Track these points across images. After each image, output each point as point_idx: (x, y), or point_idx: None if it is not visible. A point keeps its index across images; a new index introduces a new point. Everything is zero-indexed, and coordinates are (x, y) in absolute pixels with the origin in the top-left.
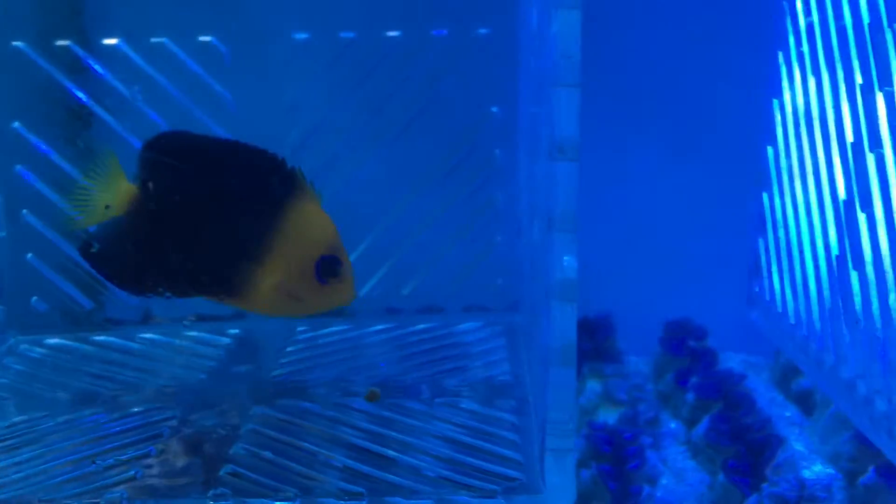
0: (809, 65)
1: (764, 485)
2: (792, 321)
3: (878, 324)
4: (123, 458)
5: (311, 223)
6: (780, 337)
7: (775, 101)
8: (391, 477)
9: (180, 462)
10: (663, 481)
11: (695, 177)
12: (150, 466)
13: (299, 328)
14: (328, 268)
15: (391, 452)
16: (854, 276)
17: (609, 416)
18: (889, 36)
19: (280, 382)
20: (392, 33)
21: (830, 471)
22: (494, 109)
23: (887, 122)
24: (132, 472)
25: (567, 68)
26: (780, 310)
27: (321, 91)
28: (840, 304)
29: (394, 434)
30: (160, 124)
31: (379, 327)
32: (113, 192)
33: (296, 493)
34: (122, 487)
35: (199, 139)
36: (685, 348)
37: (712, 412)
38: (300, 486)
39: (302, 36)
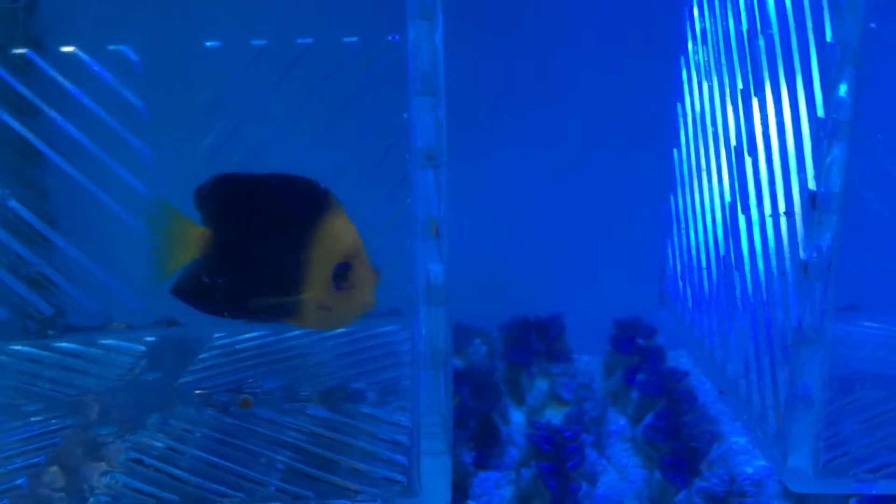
0: (703, 69)
1: (696, 480)
2: (691, 321)
3: (751, 325)
4: (11, 467)
5: (331, 235)
6: (683, 336)
7: (678, 105)
8: (273, 480)
9: (69, 471)
10: (606, 478)
11: (641, 177)
12: (36, 476)
13: (216, 334)
14: (339, 275)
15: (278, 457)
16: (736, 278)
17: (555, 415)
18: (762, 42)
19: (184, 390)
20: (304, 40)
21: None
22: (406, 116)
23: (760, 127)
24: (18, 482)
25: (420, 78)
26: (681, 310)
27: (235, 97)
28: (726, 304)
29: (274, 436)
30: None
31: (296, 332)
32: (188, 240)
33: (178, 500)
34: (5, 497)
35: (245, 178)
36: (634, 347)
37: (656, 409)
38: (183, 493)
39: (215, 44)
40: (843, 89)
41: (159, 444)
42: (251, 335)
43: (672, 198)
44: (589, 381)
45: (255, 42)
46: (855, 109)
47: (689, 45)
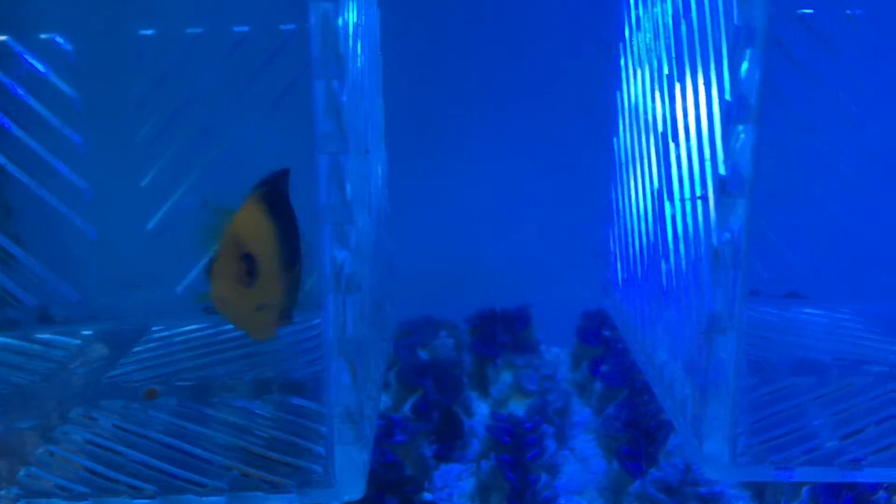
0: (637, 57)
1: (652, 469)
2: (626, 309)
3: (673, 313)
4: None
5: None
6: (621, 325)
7: (617, 93)
8: (187, 474)
9: None
10: (568, 469)
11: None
12: None
13: (154, 328)
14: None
15: (197, 450)
16: (662, 265)
17: (519, 406)
18: (683, 28)
19: (113, 384)
20: (240, 28)
21: None
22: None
23: (682, 114)
24: None
25: (320, 60)
26: (620, 299)
27: (171, 87)
28: (653, 292)
29: (197, 430)
30: None
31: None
32: None
33: (89, 493)
34: None
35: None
36: (600, 338)
37: (618, 400)
38: (95, 486)
39: (149, 32)
40: (744, 68)
41: (77, 438)
42: (190, 328)
43: (612, 186)
44: (553, 373)
45: (191, 30)
46: (762, 93)
47: (626, 32)
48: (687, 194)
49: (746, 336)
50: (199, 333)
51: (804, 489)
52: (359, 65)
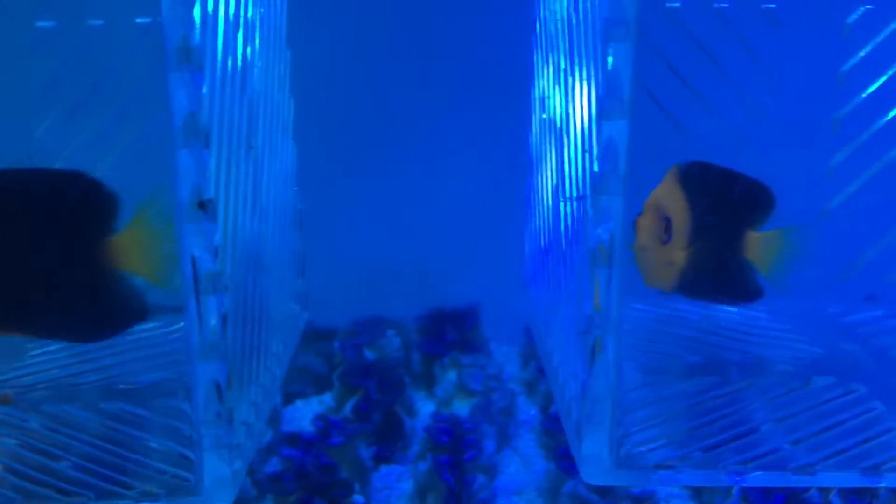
0: (545, 51)
1: None
2: (536, 310)
3: (564, 312)
4: None
5: None
6: (533, 326)
7: (531, 88)
8: (51, 480)
9: None
10: (511, 469)
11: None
12: None
13: None
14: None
15: (70, 456)
16: (557, 266)
17: (463, 406)
18: (573, 20)
19: None
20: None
21: None
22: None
23: (572, 110)
24: None
25: (174, 52)
26: (532, 297)
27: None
28: (551, 293)
29: (63, 437)
30: None
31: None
32: None
33: None
34: None
35: None
36: None
37: None
38: None
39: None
40: (611, 63)
41: None
42: None
43: (526, 184)
44: (499, 372)
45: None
46: (634, 88)
47: (537, 26)
48: (576, 193)
49: (655, 334)
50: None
51: (735, 488)
52: (238, 58)
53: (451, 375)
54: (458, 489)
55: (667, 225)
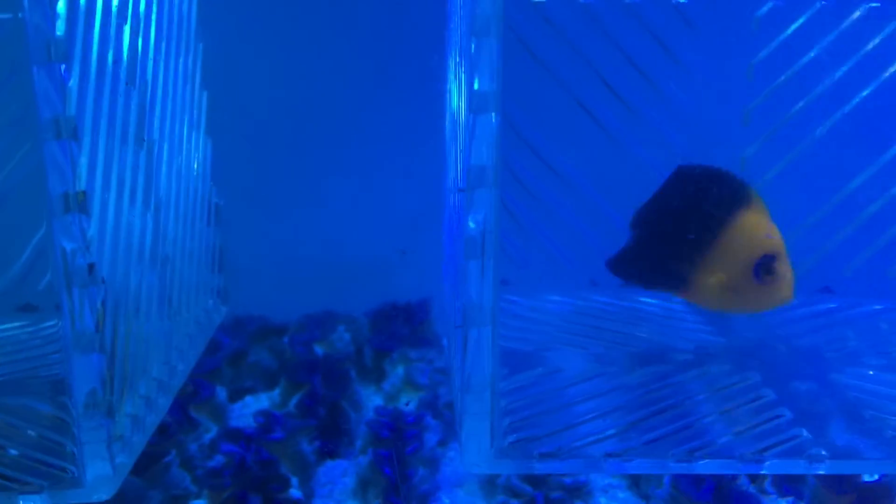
0: (448, 45)
1: None
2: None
3: (453, 307)
4: None
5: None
6: (440, 321)
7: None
8: None
9: None
10: (454, 462)
11: None
12: None
13: None
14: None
15: None
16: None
17: (410, 400)
18: (459, 16)
19: None
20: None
21: None
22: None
23: (460, 103)
24: None
25: (40, 46)
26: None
27: None
28: (448, 287)
29: None
30: None
31: (52, 322)
32: None
33: None
34: None
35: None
36: None
37: None
38: None
39: None
40: (481, 58)
41: None
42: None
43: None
44: (447, 366)
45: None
46: (500, 82)
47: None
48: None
49: (572, 324)
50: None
51: (665, 477)
52: (124, 50)
53: (400, 370)
54: (398, 482)
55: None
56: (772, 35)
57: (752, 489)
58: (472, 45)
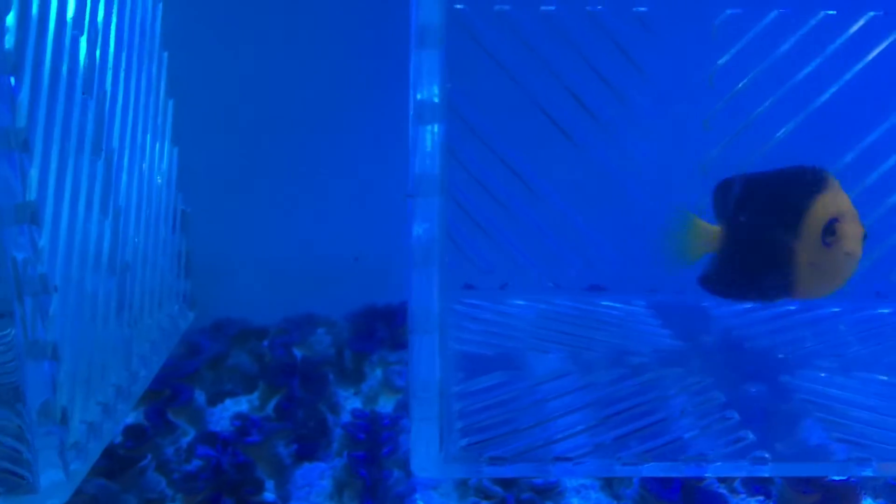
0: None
1: None
2: None
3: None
4: None
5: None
6: None
7: None
8: None
9: None
10: None
11: None
12: None
13: None
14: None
15: None
16: None
17: (389, 402)
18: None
19: None
20: None
21: None
22: None
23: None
24: None
25: None
26: None
27: None
28: None
29: None
30: None
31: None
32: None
33: None
34: None
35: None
36: None
37: None
38: None
39: None
40: (423, 69)
41: None
42: None
43: None
44: None
45: None
46: (445, 93)
47: None
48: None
49: (535, 329)
50: None
51: (635, 478)
52: (80, 61)
53: (378, 373)
54: (373, 484)
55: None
56: (731, 42)
57: (721, 489)
58: (414, 56)
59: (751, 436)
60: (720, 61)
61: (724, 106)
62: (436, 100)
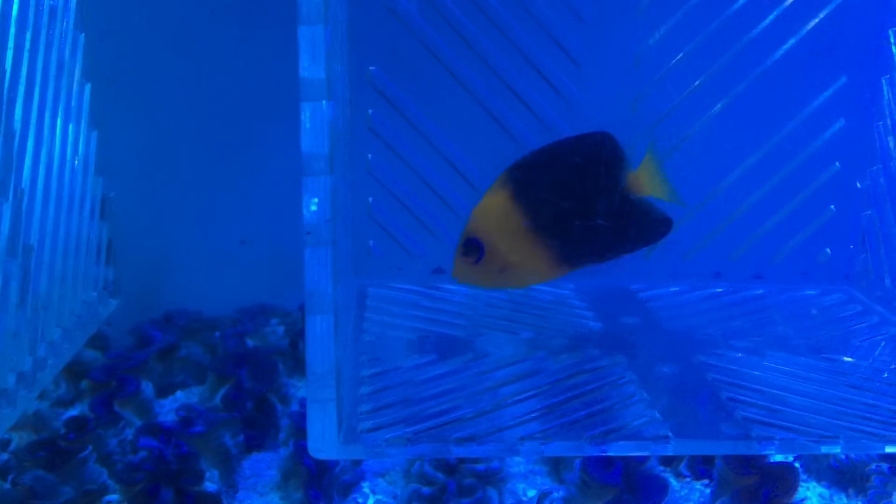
0: None
1: None
2: None
3: None
4: None
5: None
6: None
7: None
8: None
9: None
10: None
11: None
12: None
13: None
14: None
15: None
16: None
17: None
18: None
19: None
20: None
21: None
22: None
23: None
24: None
25: None
26: None
27: None
28: None
29: None
30: None
31: None
32: None
33: None
34: None
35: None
36: None
37: None
38: None
39: None
40: (304, 46)
41: None
42: None
43: None
44: None
45: None
46: (332, 71)
47: None
48: None
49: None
50: None
51: (576, 461)
52: None
53: None
54: (318, 473)
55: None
56: (656, 23)
57: (666, 473)
58: (298, 33)
59: (657, 415)
60: (647, 42)
61: (651, 86)
62: (320, 77)
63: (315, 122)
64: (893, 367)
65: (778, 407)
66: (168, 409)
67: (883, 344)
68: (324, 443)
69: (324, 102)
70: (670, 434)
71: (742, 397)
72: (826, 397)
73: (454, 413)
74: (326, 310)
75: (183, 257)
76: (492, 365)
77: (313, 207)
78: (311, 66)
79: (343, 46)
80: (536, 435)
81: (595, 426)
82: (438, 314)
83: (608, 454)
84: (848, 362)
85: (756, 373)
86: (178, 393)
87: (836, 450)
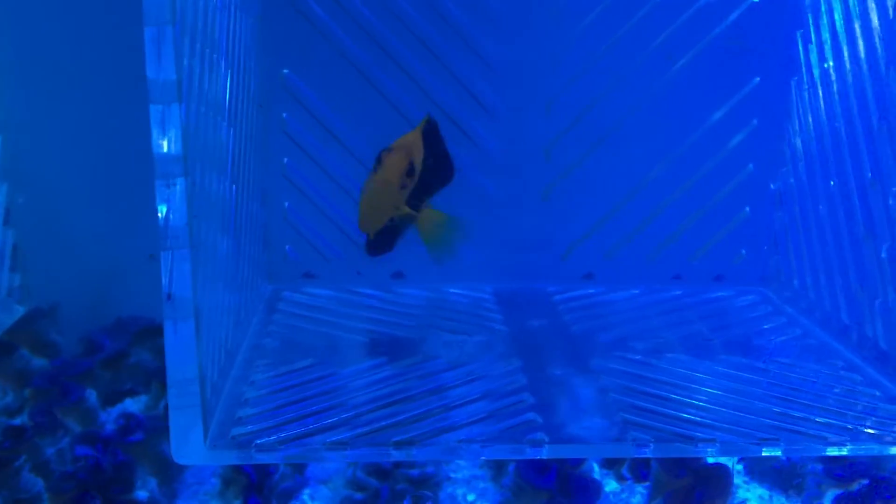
0: None
1: None
2: None
3: None
4: None
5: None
6: None
7: None
8: None
9: None
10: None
11: None
12: None
13: None
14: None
15: None
16: None
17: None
18: None
19: None
20: None
21: None
22: None
23: None
24: None
25: None
26: None
27: None
28: None
29: None
30: None
31: None
32: None
33: None
34: None
35: None
36: None
37: None
38: None
39: None
40: (152, 48)
41: None
42: None
43: None
44: None
45: None
46: (186, 71)
47: None
48: None
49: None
50: None
51: (510, 465)
52: None
53: None
54: (258, 481)
55: (409, 170)
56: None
57: (607, 475)
58: (144, 35)
59: (538, 418)
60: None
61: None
62: (172, 77)
63: (165, 124)
64: (797, 368)
65: (662, 409)
66: (116, 418)
67: (789, 344)
68: (187, 449)
69: (175, 105)
70: (546, 438)
71: (625, 398)
72: (723, 402)
73: (332, 418)
74: (185, 315)
75: (130, 263)
76: (377, 369)
77: (163, 211)
78: (157, 68)
79: (251, 48)
80: (406, 440)
81: (478, 429)
82: (350, 319)
83: (483, 457)
84: (745, 363)
85: (649, 374)
86: (127, 401)
87: (778, 452)
